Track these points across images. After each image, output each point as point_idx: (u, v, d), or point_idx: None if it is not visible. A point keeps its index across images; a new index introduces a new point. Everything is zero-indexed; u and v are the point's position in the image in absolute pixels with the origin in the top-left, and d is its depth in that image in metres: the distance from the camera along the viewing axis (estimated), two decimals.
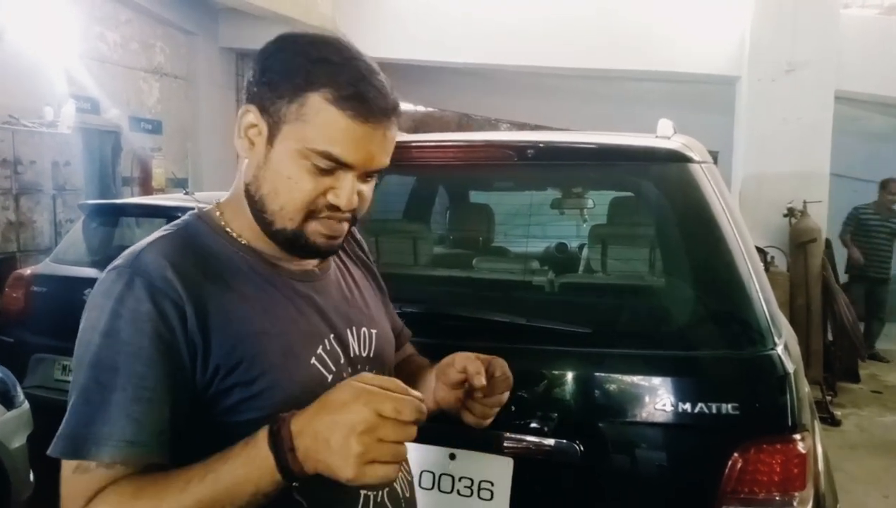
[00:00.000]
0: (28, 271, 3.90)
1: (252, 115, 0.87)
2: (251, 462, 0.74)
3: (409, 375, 1.12)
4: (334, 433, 0.72)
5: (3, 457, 2.40)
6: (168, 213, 3.58)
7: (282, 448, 0.74)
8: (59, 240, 4.78)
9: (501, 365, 1.01)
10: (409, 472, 1.06)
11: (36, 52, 5.23)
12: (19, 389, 2.62)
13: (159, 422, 0.78)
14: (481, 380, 0.96)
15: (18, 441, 2.47)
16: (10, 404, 2.50)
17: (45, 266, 3.92)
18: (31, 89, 5.24)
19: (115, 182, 6.31)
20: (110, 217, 4.09)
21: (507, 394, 1.03)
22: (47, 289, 3.70)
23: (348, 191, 0.86)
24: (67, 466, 0.77)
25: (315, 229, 0.88)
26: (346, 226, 0.91)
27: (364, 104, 0.83)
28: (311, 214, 0.87)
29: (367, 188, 0.91)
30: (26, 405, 2.59)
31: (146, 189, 6.53)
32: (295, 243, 0.89)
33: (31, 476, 2.54)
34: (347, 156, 0.84)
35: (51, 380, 3.58)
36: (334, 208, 0.87)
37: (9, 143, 4.80)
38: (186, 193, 4.71)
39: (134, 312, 0.79)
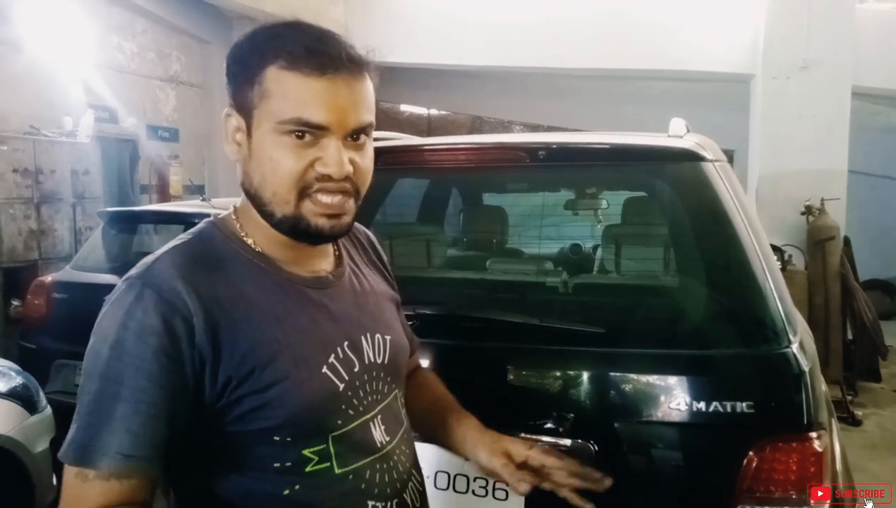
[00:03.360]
0: (49, 278, 3.96)
1: (233, 118, 0.88)
2: None
3: (434, 420, 1.12)
4: None
5: (27, 461, 2.44)
6: (185, 220, 3.62)
7: None
8: (79, 247, 4.83)
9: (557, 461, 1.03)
10: (421, 483, 1.04)
11: (55, 64, 5.32)
12: (42, 394, 2.66)
13: (157, 436, 0.77)
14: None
15: (42, 446, 2.51)
16: (33, 409, 2.54)
17: (66, 273, 3.97)
18: (51, 100, 5.32)
19: (134, 189, 6.38)
20: (129, 224, 4.14)
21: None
22: (68, 296, 3.75)
23: (335, 156, 0.83)
24: (69, 471, 0.78)
25: (311, 209, 0.85)
26: (345, 200, 0.87)
27: (315, 58, 0.82)
28: (303, 192, 0.84)
29: (360, 156, 0.87)
30: (49, 410, 2.63)
31: (164, 196, 6.60)
32: (298, 229, 0.86)
33: (55, 480, 2.58)
34: (318, 117, 0.82)
35: (72, 386, 3.62)
36: (326, 178, 0.84)
37: (30, 153, 4.87)
38: (203, 200, 4.76)
39: (141, 324, 0.78)
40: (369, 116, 0.87)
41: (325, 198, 0.85)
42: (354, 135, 0.86)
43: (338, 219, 0.87)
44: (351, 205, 0.88)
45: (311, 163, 0.84)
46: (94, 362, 0.79)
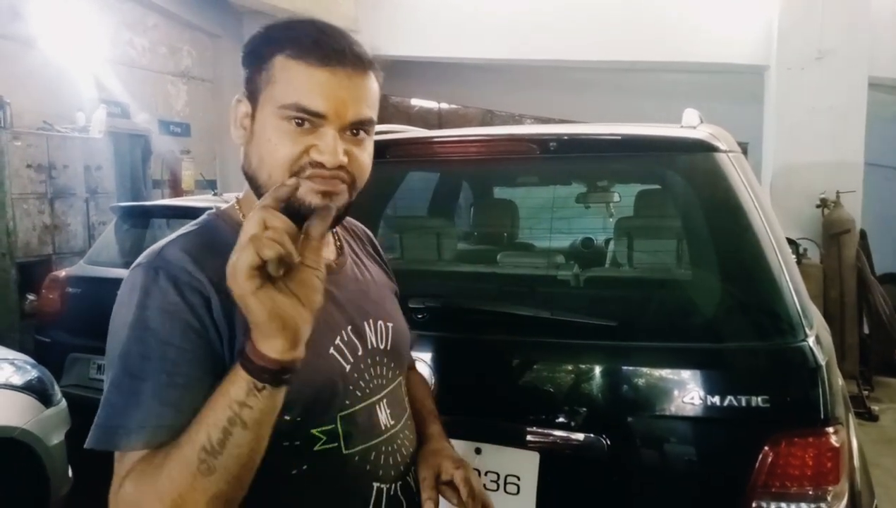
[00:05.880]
0: (63, 273, 3.99)
1: (242, 103, 0.90)
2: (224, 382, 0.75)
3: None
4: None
5: (43, 454, 2.47)
6: (197, 214, 3.61)
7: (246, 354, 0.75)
8: (93, 242, 4.88)
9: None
10: None
11: (67, 60, 5.35)
12: (57, 388, 2.69)
13: (196, 405, 0.77)
14: None
15: (57, 438, 2.54)
16: (48, 402, 2.56)
17: (80, 267, 4.00)
18: (64, 95, 5.36)
19: (146, 184, 6.42)
20: (141, 218, 4.16)
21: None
22: (82, 290, 3.78)
23: (330, 145, 0.84)
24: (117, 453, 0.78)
25: (304, 188, 0.84)
26: (340, 186, 0.87)
27: (320, 49, 0.85)
28: (296, 175, 0.85)
29: (359, 150, 0.88)
30: (64, 403, 2.66)
31: (176, 191, 6.64)
32: (292, 208, 0.84)
33: (70, 472, 2.60)
34: (316, 104, 0.84)
35: (86, 379, 3.67)
36: (319, 165, 0.85)
37: (43, 149, 4.91)
38: (215, 194, 4.78)
39: (162, 303, 0.80)
40: (369, 112, 0.88)
41: (317, 181, 0.86)
42: (354, 130, 0.87)
43: (330, 199, 0.87)
44: (344, 190, 0.88)
45: (306, 150, 0.85)
46: (116, 346, 0.80)
